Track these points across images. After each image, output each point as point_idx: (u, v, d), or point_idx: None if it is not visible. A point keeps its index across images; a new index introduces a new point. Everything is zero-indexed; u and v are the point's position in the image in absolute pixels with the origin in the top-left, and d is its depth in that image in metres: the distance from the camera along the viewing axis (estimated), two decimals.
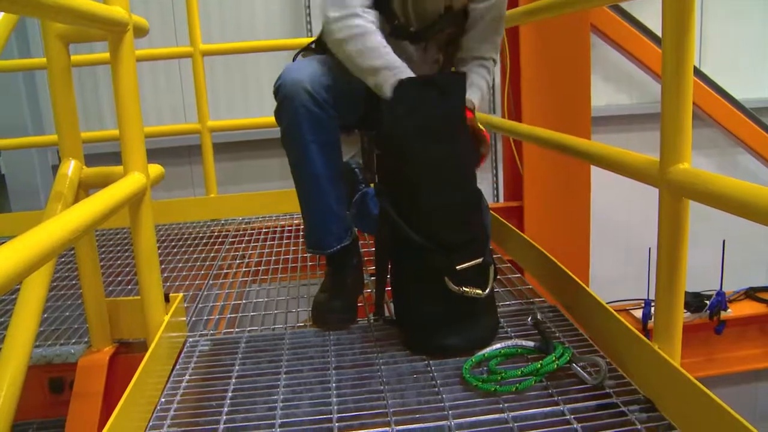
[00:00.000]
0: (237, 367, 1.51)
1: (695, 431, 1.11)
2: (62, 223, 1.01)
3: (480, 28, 1.77)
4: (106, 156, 3.39)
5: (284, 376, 1.45)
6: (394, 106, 1.49)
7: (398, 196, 1.52)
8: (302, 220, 1.74)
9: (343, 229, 1.70)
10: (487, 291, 1.50)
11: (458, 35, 1.79)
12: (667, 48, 1.13)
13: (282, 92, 1.57)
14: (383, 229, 1.56)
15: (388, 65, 1.53)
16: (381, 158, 1.62)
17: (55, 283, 2.26)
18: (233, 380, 1.45)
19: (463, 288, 1.46)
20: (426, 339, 1.53)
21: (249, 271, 2.35)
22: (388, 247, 1.57)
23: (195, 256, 2.58)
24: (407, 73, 1.53)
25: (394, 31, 1.66)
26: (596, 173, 3.55)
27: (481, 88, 1.78)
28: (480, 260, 1.50)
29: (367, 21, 1.55)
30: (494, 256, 2.21)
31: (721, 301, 3.32)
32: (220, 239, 2.81)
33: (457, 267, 1.47)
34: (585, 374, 1.33)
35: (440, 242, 1.48)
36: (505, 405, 1.26)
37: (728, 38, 4.44)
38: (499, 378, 1.33)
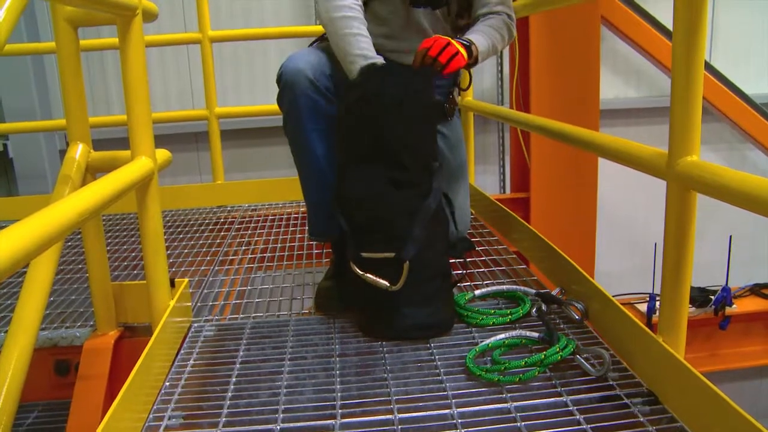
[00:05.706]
0: (241, 353, 1.52)
1: (698, 425, 1.11)
2: (69, 205, 1.01)
3: None
4: (113, 141, 3.42)
5: (288, 362, 1.46)
6: (350, 92, 1.53)
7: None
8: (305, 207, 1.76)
9: None
10: (398, 285, 1.48)
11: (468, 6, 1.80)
12: (678, 38, 1.12)
13: (284, 79, 1.61)
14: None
15: (361, 52, 1.55)
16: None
17: (61, 267, 2.27)
18: (237, 366, 1.46)
19: (368, 275, 1.49)
20: (363, 325, 1.60)
21: (254, 257, 2.36)
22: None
23: (201, 242, 2.58)
24: (376, 60, 1.55)
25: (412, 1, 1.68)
26: (603, 167, 3.54)
27: (483, 32, 1.73)
28: (392, 255, 1.49)
29: (352, 5, 1.59)
30: (500, 246, 2.22)
31: (726, 296, 3.31)
32: (226, 226, 2.82)
33: (363, 254, 1.50)
34: (589, 366, 1.33)
35: (352, 223, 1.52)
36: (508, 395, 1.27)
37: (740, 30, 4.36)
38: (503, 368, 1.33)
